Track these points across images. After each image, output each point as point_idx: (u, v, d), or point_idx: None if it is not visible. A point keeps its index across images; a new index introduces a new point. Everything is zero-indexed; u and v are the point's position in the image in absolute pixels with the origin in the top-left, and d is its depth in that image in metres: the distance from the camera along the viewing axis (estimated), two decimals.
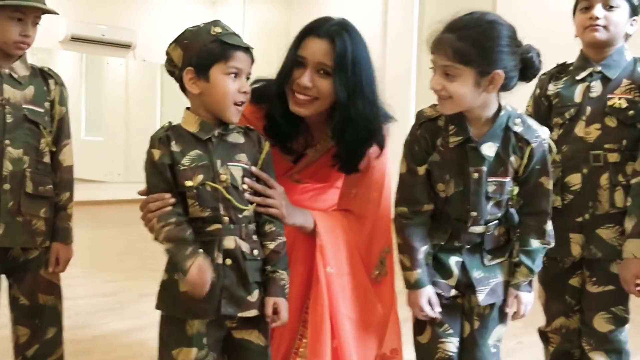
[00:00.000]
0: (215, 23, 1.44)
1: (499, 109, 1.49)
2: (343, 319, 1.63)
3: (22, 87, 1.81)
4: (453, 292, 1.58)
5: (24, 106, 1.80)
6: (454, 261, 1.56)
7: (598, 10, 1.76)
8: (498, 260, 1.58)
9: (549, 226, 1.57)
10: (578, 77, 1.83)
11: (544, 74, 1.93)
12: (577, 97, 1.81)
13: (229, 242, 1.42)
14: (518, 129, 1.49)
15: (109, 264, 4.50)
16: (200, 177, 1.41)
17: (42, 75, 1.89)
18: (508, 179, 1.51)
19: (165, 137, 1.43)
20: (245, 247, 1.43)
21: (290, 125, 1.65)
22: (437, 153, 1.53)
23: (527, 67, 1.45)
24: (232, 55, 1.40)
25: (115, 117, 8.67)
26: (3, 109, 1.76)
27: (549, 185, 1.55)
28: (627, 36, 1.82)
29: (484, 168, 1.49)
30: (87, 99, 8.66)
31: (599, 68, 1.81)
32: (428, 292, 1.55)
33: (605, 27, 1.76)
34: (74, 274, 4.01)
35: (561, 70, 1.92)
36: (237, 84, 1.42)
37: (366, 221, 1.74)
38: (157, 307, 1.47)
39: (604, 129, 1.77)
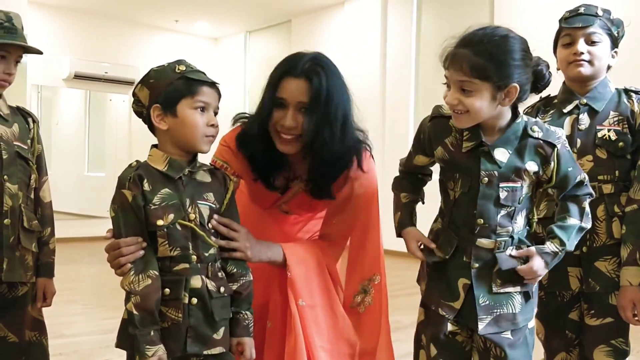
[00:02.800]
0: (180, 62, 1.48)
1: (515, 117, 1.51)
2: (318, 350, 1.63)
3: (9, 124, 1.84)
4: (451, 327, 1.57)
5: (15, 143, 1.83)
6: (461, 283, 1.53)
7: (581, 45, 1.77)
8: (508, 289, 1.52)
9: (587, 206, 1.55)
10: (565, 110, 1.84)
11: (529, 107, 1.95)
12: (566, 129, 1.81)
13: (196, 281, 1.42)
14: (538, 134, 1.50)
15: (109, 300, 4.47)
16: (171, 216, 1.41)
17: (21, 114, 1.92)
18: (519, 184, 1.50)
19: (137, 176, 1.42)
20: (211, 285, 1.44)
21: (273, 163, 1.67)
22: (445, 151, 1.56)
23: (537, 79, 1.49)
24: (198, 90, 1.43)
25: (118, 152, 8.71)
26: None
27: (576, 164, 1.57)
28: (608, 67, 1.84)
29: (496, 173, 1.49)
30: (90, 135, 8.74)
31: (585, 100, 1.82)
32: (411, 233, 1.62)
33: (589, 62, 1.78)
34: (74, 310, 4.02)
35: (546, 103, 1.92)
36: (205, 117, 1.45)
37: (342, 243, 1.77)
38: (117, 345, 1.45)
39: (596, 160, 1.77)
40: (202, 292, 1.42)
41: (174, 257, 1.41)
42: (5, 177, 1.78)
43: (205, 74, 1.49)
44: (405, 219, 1.68)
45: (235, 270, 1.51)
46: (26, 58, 1.89)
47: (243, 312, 1.50)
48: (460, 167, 1.54)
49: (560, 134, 1.53)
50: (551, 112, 1.88)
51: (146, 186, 1.41)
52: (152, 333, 1.35)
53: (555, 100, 1.90)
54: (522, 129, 1.50)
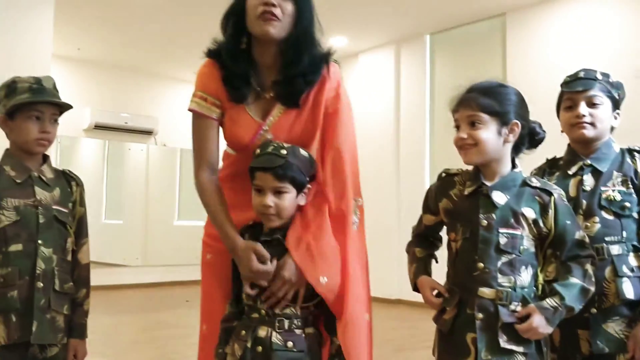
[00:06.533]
0: None
1: (513, 168, 1.64)
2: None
3: (50, 188, 1.91)
4: None
5: (53, 207, 1.89)
6: (470, 338, 1.55)
7: (583, 108, 1.82)
8: (515, 347, 1.52)
9: (590, 269, 1.57)
10: (570, 172, 1.87)
11: (535, 169, 1.98)
12: (572, 191, 1.84)
13: (262, 331, 1.59)
14: (536, 183, 1.62)
15: (125, 353, 4.46)
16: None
17: (65, 177, 1.99)
18: (519, 232, 1.56)
19: None
20: (277, 338, 1.57)
21: (239, 62, 1.68)
22: (449, 201, 1.67)
23: (533, 135, 1.67)
24: None
25: (135, 200, 8.82)
26: (36, 210, 1.85)
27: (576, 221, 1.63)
28: (612, 129, 1.87)
29: (494, 216, 1.57)
30: (108, 183, 8.87)
31: (589, 161, 1.84)
32: (425, 281, 1.70)
33: (592, 124, 1.81)
34: None
35: (552, 165, 1.96)
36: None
37: (345, 175, 1.71)
38: None
39: (602, 221, 1.78)
40: (265, 343, 1.57)
41: (249, 305, 1.64)
42: (39, 241, 1.84)
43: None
44: (420, 269, 1.73)
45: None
46: None
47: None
48: (462, 215, 1.62)
49: (557, 188, 1.64)
50: (557, 174, 1.91)
51: None
52: (219, 350, 1.66)
53: (561, 162, 1.93)
54: (520, 179, 1.63)
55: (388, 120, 7.04)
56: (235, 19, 1.70)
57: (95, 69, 8.02)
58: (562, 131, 1.91)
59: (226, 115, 1.73)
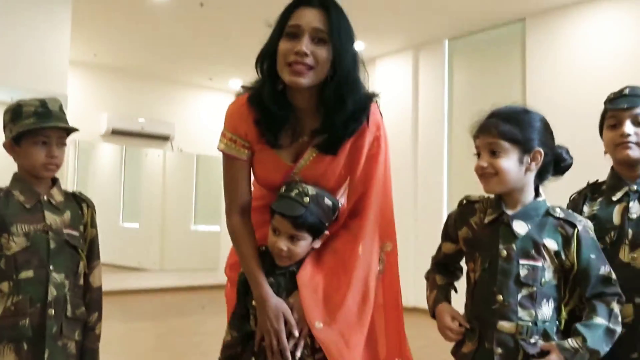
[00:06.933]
0: None
1: (537, 196, 1.56)
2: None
3: (60, 212, 1.86)
4: None
5: (64, 231, 1.85)
6: None
7: (628, 127, 1.70)
8: None
9: (617, 308, 1.49)
10: (614, 198, 1.73)
11: (575, 194, 1.87)
12: (616, 219, 1.71)
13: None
14: (560, 214, 1.54)
15: None
16: None
17: (76, 200, 1.95)
18: (540, 264, 1.49)
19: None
20: None
21: (279, 108, 1.59)
22: (469, 230, 1.60)
23: (558, 161, 1.59)
24: None
25: (152, 204, 8.86)
26: (47, 235, 1.81)
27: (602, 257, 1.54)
28: None
29: (514, 246, 1.50)
30: (126, 188, 8.92)
31: (635, 187, 1.72)
32: (446, 308, 1.62)
33: (637, 144, 1.70)
34: None
35: (594, 189, 1.82)
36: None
37: (367, 218, 1.66)
38: None
39: None
40: None
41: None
42: (51, 267, 1.79)
43: None
44: (440, 296, 1.67)
45: None
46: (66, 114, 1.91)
47: None
48: (481, 245, 1.56)
49: (583, 219, 1.56)
50: (599, 199, 1.78)
51: None
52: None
53: (604, 187, 1.80)
54: (544, 208, 1.55)
55: (405, 127, 6.96)
56: (269, 62, 1.60)
57: (111, 74, 8.05)
58: (605, 152, 1.79)
59: (255, 156, 1.68)
